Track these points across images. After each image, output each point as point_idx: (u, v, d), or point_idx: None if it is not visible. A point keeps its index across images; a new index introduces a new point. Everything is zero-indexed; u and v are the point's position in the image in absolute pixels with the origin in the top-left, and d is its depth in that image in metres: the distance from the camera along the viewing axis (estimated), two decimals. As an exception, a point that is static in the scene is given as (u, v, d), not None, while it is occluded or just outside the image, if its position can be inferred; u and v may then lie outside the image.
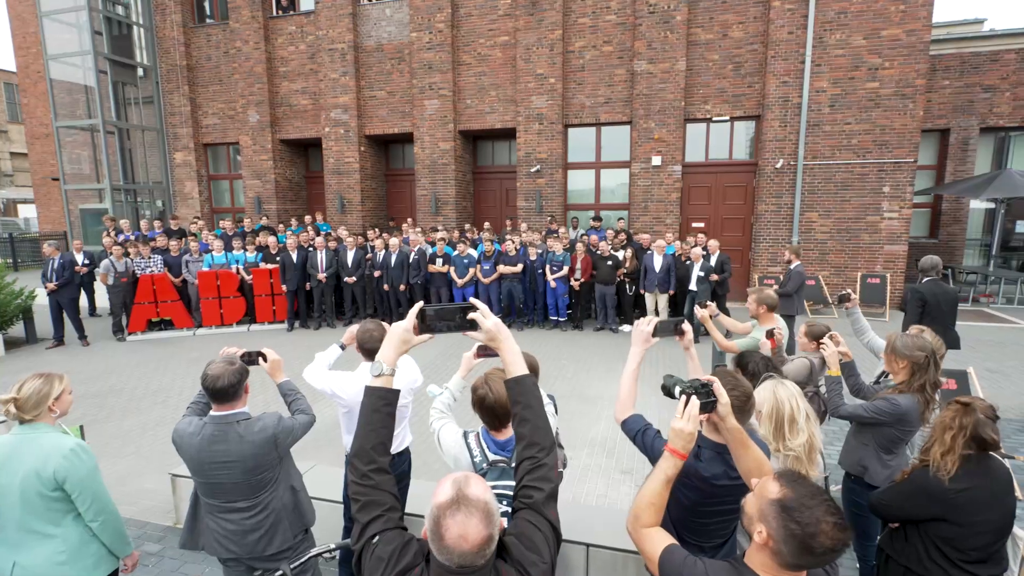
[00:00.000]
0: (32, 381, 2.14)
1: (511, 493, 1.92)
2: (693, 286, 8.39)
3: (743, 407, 1.85)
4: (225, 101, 13.84)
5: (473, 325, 1.51)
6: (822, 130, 10.10)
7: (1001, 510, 2.02)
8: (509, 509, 1.91)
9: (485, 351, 2.39)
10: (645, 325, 1.97)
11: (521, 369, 1.52)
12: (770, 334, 3.65)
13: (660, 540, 1.47)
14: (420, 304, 1.51)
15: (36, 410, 2.11)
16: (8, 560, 2.07)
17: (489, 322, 1.51)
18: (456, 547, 1.17)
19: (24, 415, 2.10)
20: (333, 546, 2.17)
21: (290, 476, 2.39)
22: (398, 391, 1.49)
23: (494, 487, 1.95)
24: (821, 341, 2.99)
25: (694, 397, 1.56)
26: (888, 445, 2.64)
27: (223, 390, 2.20)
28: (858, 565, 2.98)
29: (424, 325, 1.48)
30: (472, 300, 1.56)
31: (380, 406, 1.44)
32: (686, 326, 1.99)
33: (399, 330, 1.49)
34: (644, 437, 2.01)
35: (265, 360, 2.49)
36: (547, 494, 1.39)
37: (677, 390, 1.60)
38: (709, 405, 1.59)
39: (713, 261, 8.41)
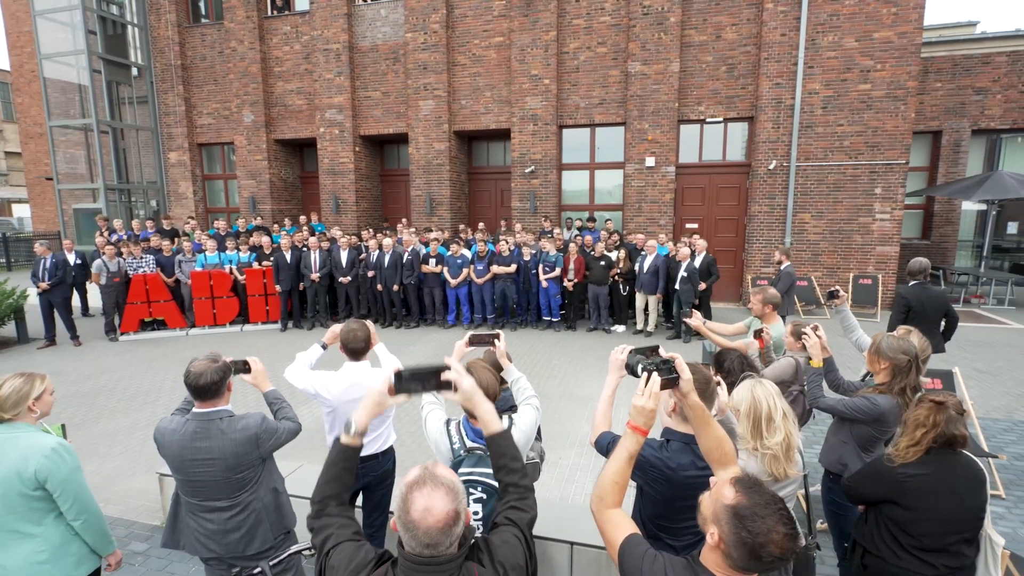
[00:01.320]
0: (12, 380, 2.12)
1: (486, 480, 1.96)
2: (678, 285, 8.44)
3: (704, 391, 1.88)
4: (220, 101, 13.82)
5: (449, 385, 1.58)
6: (814, 132, 10.15)
7: (957, 504, 2.04)
8: (484, 496, 1.95)
9: (476, 340, 2.44)
10: (619, 353, 1.95)
11: (497, 426, 1.61)
12: (758, 334, 3.67)
13: (624, 527, 1.48)
14: (396, 366, 1.59)
15: (15, 409, 2.10)
16: None
17: (465, 383, 1.59)
18: (421, 521, 1.23)
19: (3, 414, 2.09)
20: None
21: (272, 478, 2.39)
22: (360, 447, 1.58)
23: (470, 473, 1.99)
24: (804, 332, 2.98)
25: (655, 374, 1.54)
26: (865, 444, 2.67)
27: (205, 387, 2.20)
28: (838, 563, 3.01)
29: (400, 386, 1.54)
30: (446, 360, 1.62)
31: (341, 460, 1.54)
32: (662, 351, 1.98)
33: (375, 393, 1.57)
34: (612, 446, 2.02)
35: (249, 371, 2.48)
36: (531, 517, 1.51)
37: (639, 367, 1.60)
38: (671, 381, 1.58)
39: (699, 262, 8.44)
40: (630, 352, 1.77)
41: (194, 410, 2.27)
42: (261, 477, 2.33)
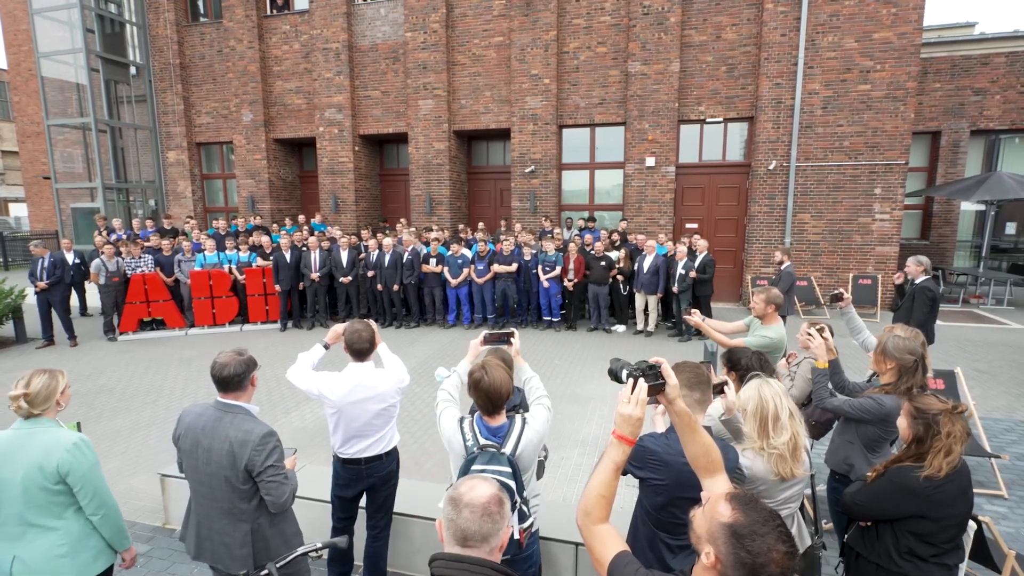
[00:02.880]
0: (39, 376, 2.17)
1: (498, 478, 1.96)
2: (676, 285, 8.43)
3: (699, 379, 1.89)
4: (219, 100, 13.79)
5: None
6: (814, 132, 10.16)
7: (967, 502, 2.08)
8: None
9: (491, 338, 2.44)
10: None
11: None
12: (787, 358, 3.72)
13: (613, 543, 1.41)
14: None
15: (45, 404, 2.15)
16: (8, 553, 2.09)
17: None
18: (467, 493, 1.34)
19: (33, 410, 2.14)
20: (320, 544, 2.16)
21: (268, 511, 2.30)
22: None
23: (482, 471, 1.99)
24: (808, 332, 2.95)
25: (642, 380, 1.47)
26: (871, 444, 2.66)
27: (228, 378, 2.23)
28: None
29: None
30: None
31: None
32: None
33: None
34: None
35: None
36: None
37: (624, 373, 1.52)
38: (657, 387, 1.51)
39: (697, 261, 8.46)
40: (613, 358, 1.74)
41: (216, 398, 2.31)
42: (259, 497, 2.26)
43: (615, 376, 1.58)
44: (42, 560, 2.10)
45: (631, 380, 1.48)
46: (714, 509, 1.26)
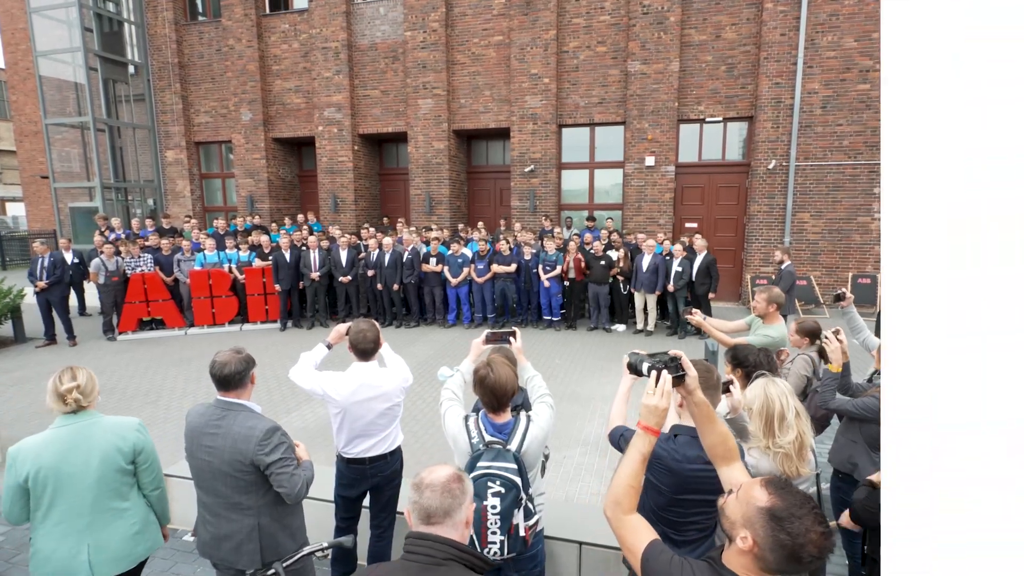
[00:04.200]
0: (81, 371, 2.25)
1: (504, 474, 1.96)
2: (671, 284, 8.45)
3: (708, 381, 1.91)
4: (217, 99, 13.75)
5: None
6: (814, 131, 10.17)
7: None
8: (502, 489, 1.96)
9: (493, 338, 2.45)
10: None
11: None
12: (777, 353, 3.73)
13: (644, 533, 1.43)
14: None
15: (91, 396, 2.25)
16: (80, 544, 2.14)
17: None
18: (427, 476, 1.39)
19: (84, 401, 2.22)
20: (326, 544, 2.16)
21: (273, 504, 2.29)
22: None
23: (488, 467, 2.00)
24: (825, 336, 2.96)
25: (665, 371, 1.50)
26: (875, 443, 2.67)
27: (228, 377, 2.24)
28: (847, 562, 3.01)
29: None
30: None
31: None
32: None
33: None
34: (623, 440, 2.05)
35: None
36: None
37: (645, 366, 1.55)
38: (679, 379, 1.54)
39: (699, 262, 8.46)
40: (631, 352, 1.76)
41: (216, 397, 2.31)
42: (262, 491, 2.25)
43: (635, 369, 1.62)
44: (121, 540, 2.22)
45: (653, 372, 1.51)
46: (749, 494, 1.30)
